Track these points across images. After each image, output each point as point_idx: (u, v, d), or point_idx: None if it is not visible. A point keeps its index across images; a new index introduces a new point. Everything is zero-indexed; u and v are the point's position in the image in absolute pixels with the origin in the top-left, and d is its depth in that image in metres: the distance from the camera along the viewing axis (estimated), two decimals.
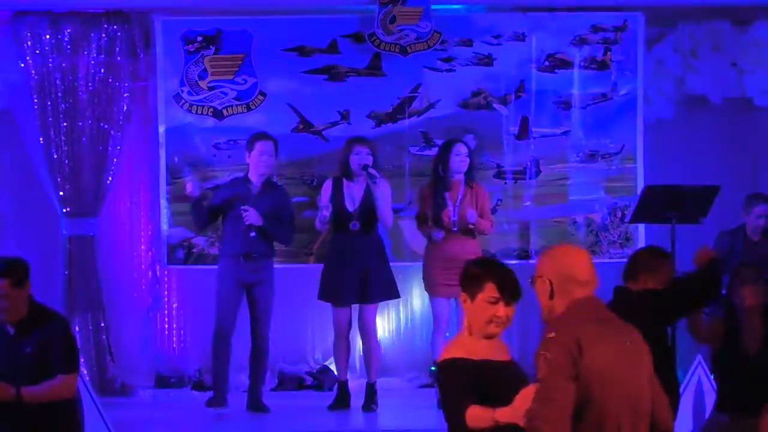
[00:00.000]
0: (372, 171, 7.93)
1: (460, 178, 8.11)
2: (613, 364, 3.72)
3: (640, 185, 8.80)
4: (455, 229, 8.00)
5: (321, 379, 9.21)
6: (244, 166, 8.83)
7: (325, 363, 9.32)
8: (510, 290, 4.08)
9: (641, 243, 8.99)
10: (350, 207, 8.02)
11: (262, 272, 8.01)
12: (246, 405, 8.10)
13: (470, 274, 4.12)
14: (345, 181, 8.06)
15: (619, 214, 9.00)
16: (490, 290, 4.06)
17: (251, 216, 7.86)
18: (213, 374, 8.14)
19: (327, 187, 8.13)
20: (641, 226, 8.95)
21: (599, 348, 3.71)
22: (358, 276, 7.96)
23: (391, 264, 8.30)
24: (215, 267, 8.24)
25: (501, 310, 4.05)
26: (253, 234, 7.91)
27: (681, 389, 6.61)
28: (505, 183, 9.01)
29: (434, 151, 8.66)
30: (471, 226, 8.01)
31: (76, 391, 5.50)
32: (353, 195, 8.04)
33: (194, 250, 8.88)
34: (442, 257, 7.95)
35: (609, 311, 3.92)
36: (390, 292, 8.11)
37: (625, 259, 9.04)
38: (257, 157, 8.02)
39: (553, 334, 3.73)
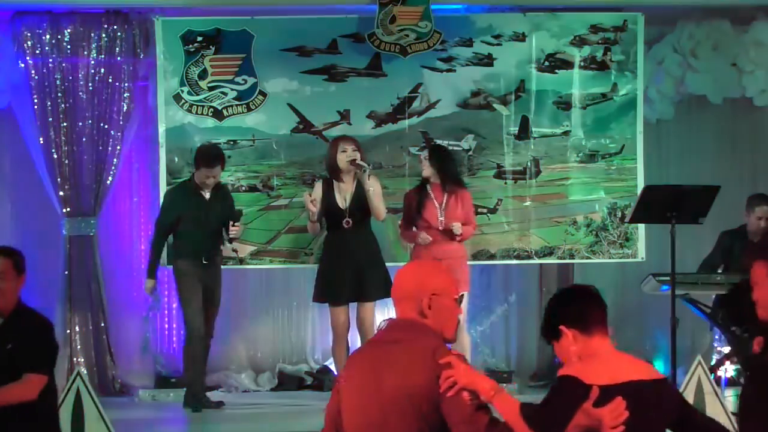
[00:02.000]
0: (361, 162, 7.93)
1: (437, 182, 8.14)
2: (352, 392, 3.73)
3: (640, 185, 8.80)
4: (441, 228, 8.05)
5: (321, 379, 9.22)
6: (244, 166, 8.86)
7: (325, 363, 9.33)
8: None
9: (641, 243, 9.00)
10: (342, 205, 8.02)
11: (218, 270, 8.24)
12: (185, 402, 8.15)
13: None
14: (335, 181, 8.07)
15: (619, 214, 9.00)
16: None
17: (236, 233, 8.13)
18: (191, 377, 8.13)
19: (317, 188, 8.14)
20: (641, 226, 8.95)
21: (350, 374, 3.77)
22: (353, 274, 7.95)
23: (391, 264, 8.30)
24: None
25: None
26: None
27: (681, 389, 6.61)
28: (505, 183, 9.01)
29: None
30: (458, 238, 8.04)
31: (54, 395, 5.37)
32: (344, 193, 8.05)
33: None
34: (431, 258, 7.95)
35: (400, 334, 3.72)
36: (386, 289, 8.06)
37: (625, 259, 9.18)
38: (200, 176, 8.10)
39: None
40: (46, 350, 5.20)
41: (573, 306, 3.75)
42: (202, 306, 8.06)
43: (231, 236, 8.10)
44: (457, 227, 7.98)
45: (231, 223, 8.06)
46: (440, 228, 8.04)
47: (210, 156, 8.13)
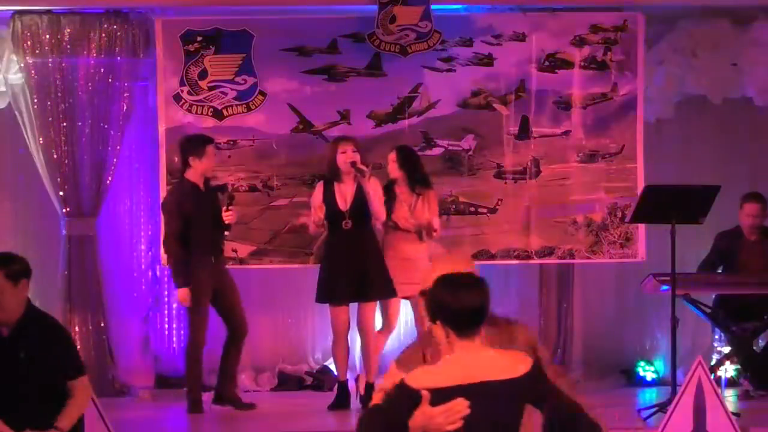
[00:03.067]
0: (360, 166, 7.95)
1: (404, 183, 8.27)
2: None
3: (640, 185, 8.80)
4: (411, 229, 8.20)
5: (321, 379, 9.22)
6: (244, 166, 8.86)
7: (325, 363, 9.33)
8: None
9: (641, 243, 8.99)
10: (342, 206, 8.02)
11: (225, 267, 8.27)
12: (215, 399, 8.13)
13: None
14: (335, 182, 8.07)
15: (619, 214, 9.00)
16: None
17: (233, 216, 8.09)
18: (193, 381, 8.12)
19: (318, 189, 8.15)
20: (641, 226, 8.95)
21: None
22: (355, 274, 7.97)
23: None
24: None
25: None
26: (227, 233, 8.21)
27: (681, 389, 6.61)
28: (505, 183, 9.01)
29: (435, 151, 8.83)
30: (435, 234, 8.19)
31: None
32: (344, 194, 8.05)
33: None
34: (400, 258, 8.11)
35: None
36: (387, 290, 8.10)
37: (625, 260, 9.18)
38: (209, 161, 8.13)
39: None
40: (78, 352, 5.32)
41: (455, 305, 3.67)
42: (208, 312, 8.05)
43: (226, 221, 8.05)
44: (435, 221, 8.16)
45: (224, 208, 8.05)
46: (410, 230, 8.14)
47: (199, 137, 8.22)
